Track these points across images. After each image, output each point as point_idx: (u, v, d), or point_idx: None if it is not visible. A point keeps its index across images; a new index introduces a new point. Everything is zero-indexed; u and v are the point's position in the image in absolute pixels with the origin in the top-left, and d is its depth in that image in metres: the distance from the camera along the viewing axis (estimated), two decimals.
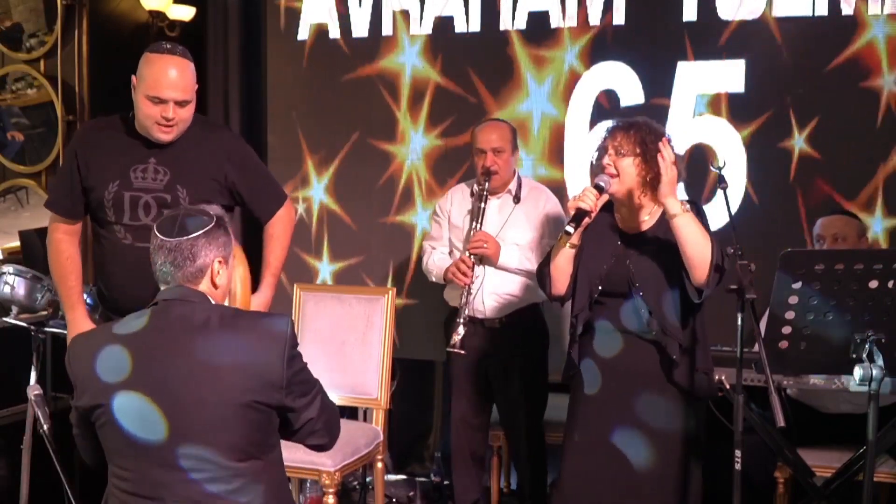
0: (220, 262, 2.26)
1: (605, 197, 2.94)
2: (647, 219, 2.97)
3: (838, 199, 3.94)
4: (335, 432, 2.39)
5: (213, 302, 2.26)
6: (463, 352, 3.55)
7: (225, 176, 3.07)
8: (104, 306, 3.13)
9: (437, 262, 3.83)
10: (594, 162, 3.00)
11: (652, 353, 2.91)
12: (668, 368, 2.89)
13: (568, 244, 2.96)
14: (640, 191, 2.91)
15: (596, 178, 2.93)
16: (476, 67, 4.48)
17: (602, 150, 2.95)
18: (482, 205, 3.64)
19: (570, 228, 2.89)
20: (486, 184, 3.65)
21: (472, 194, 3.79)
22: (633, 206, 2.95)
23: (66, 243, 3.05)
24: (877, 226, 3.94)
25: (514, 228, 3.71)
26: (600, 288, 2.95)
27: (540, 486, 3.92)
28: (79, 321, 3.03)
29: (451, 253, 3.85)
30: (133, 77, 2.94)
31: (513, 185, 3.77)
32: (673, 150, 2.90)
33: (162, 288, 2.26)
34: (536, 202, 3.78)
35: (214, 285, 2.27)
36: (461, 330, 3.53)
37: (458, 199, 3.89)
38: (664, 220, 2.90)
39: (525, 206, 3.75)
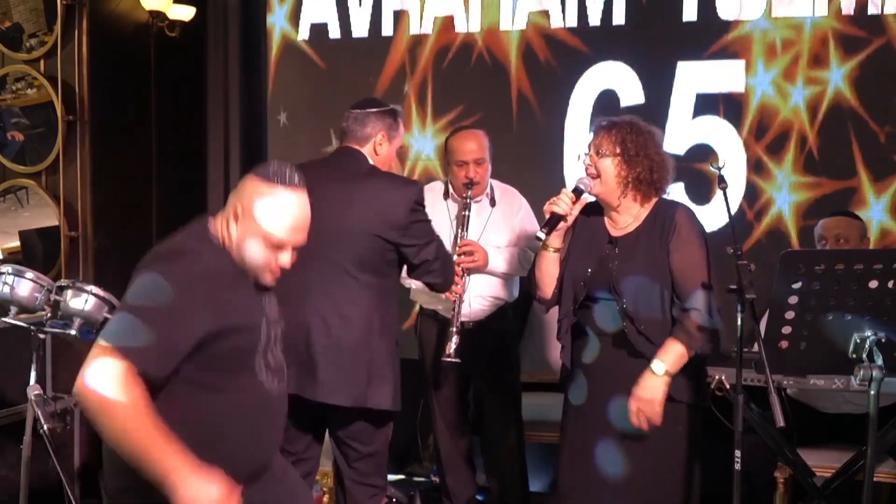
0: (382, 135, 3.13)
1: (586, 199, 2.90)
2: (632, 220, 2.90)
3: None
4: (449, 278, 3.19)
5: (370, 162, 3.11)
6: (458, 360, 3.50)
7: None
8: None
9: None
10: (582, 161, 2.94)
11: (634, 358, 2.83)
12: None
13: (551, 248, 2.91)
14: (621, 192, 2.86)
15: (577, 181, 2.89)
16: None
17: (587, 150, 2.91)
18: (466, 213, 3.63)
19: (541, 234, 2.86)
20: (469, 192, 3.64)
21: (445, 196, 3.78)
22: (616, 207, 2.90)
23: None
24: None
25: (494, 231, 3.72)
26: (584, 292, 2.89)
27: (522, 488, 3.92)
28: (193, 472, 2.09)
29: None
30: None
31: (487, 189, 3.78)
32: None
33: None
34: (511, 203, 3.80)
35: (376, 152, 3.13)
36: (455, 339, 3.48)
37: (430, 200, 3.82)
38: (650, 221, 2.86)
39: (501, 208, 3.77)
